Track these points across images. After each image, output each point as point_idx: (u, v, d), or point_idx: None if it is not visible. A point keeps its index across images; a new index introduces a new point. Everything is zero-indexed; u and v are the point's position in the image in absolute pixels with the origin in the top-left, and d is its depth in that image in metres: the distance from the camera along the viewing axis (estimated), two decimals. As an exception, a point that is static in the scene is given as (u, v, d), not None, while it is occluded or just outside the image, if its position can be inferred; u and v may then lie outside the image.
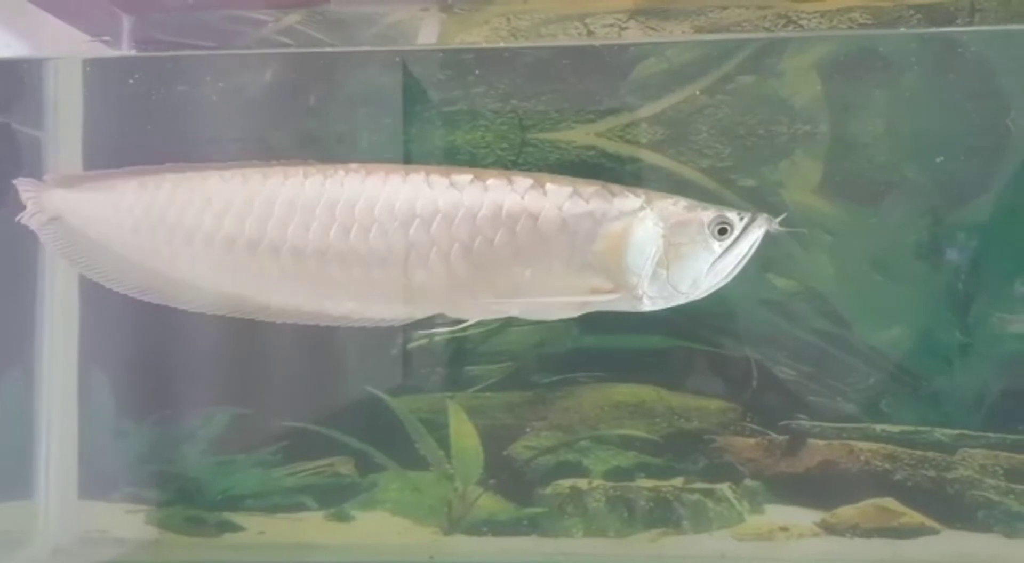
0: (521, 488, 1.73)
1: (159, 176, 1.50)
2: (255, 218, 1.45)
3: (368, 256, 1.42)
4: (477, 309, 1.44)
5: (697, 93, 1.72)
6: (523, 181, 1.42)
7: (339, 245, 1.43)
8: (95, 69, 1.84)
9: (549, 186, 1.42)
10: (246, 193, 1.46)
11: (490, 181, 1.42)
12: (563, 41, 1.79)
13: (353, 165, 1.46)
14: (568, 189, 1.42)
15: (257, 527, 1.76)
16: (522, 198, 1.40)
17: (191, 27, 1.87)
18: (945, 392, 1.65)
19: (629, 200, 1.40)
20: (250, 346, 1.78)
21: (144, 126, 1.82)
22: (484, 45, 1.83)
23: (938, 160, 1.66)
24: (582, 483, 1.72)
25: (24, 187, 1.50)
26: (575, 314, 1.43)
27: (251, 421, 1.77)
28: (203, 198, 1.47)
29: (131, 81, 1.83)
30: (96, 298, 1.80)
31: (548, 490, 1.72)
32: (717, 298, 1.55)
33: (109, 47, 1.85)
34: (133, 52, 1.87)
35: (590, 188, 1.43)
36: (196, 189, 1.48)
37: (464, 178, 1.42)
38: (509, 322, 1.76)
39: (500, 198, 1.40)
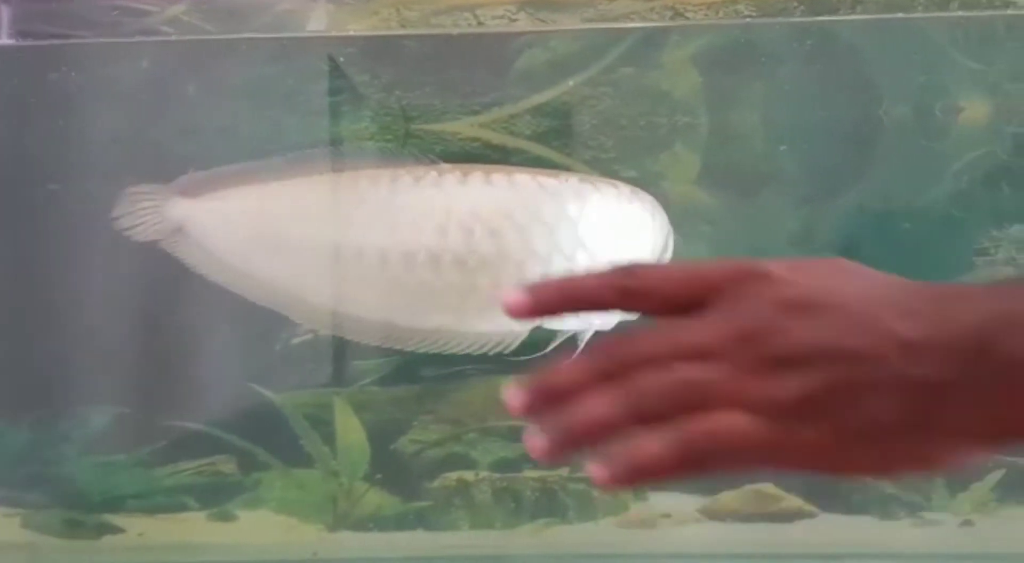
0: (408, 482, 1.72)
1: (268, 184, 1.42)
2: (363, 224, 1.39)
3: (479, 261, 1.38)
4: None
5: (570, 83, 1.73)
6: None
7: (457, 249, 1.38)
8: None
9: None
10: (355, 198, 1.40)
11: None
12: (449, 29, 1.78)
13: (446, 166, 1.43)
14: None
15: (137, 528, 1.72)
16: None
17: (73, 17, 1.82)
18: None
19: None
20: (129, 343, 1.75)
21: (19, 119, 1.78)
22: (369, 33, 1.81)
23: (781, 148, 1.69)
24: (469, 476, 1.72)
25: (146, 197, 1.39)
26: None
27: (130, 420, 1.73)
28: (304, 205, 1.40)
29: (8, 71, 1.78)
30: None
31: (435, 483, 1.72)
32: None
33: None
34: (13, 42, 1.81)
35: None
36: (300, 196, 1.41)
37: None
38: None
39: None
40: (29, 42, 1.82)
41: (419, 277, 1.38)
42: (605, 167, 1.70)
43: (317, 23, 1.89)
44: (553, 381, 0.41)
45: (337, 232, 1.39)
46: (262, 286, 1.42)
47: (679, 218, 1.57)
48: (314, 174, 1.43)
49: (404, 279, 1.39)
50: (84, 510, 1.72)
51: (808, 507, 1.69)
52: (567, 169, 1.72)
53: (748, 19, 1.71)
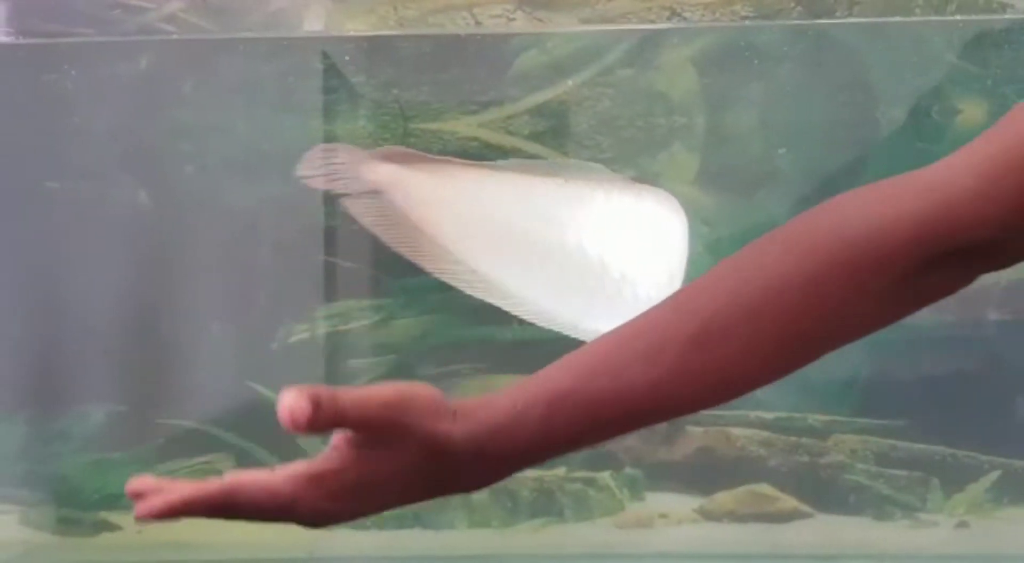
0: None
1: (492, 171, 1.43)
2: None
3: None
4: None
5: (569, 83, 1.73)
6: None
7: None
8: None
9: None
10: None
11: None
12: (448, 29, 1.78)
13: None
14: None
15: (134, 526, 1.72)
16: None
17: (71, 14, 1.82)
18: (817, 379, 1.69)
19: None
20: (126, 341, 1.75)
21: (15, 116, 1.78)
22: (368, 33, 1.82)
23: (780, 151, 1.69)
24: (466, 475, 1.72)
25: (343, 154, 1.39)
26: None
27: (128, 418, 1.73)
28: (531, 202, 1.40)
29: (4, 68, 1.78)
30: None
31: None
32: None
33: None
34: (10, 39, 1.81)
35: None
36: (527, 193, 1.41)
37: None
38: (392, 314, 1.75)
39: None
40: (26, 39, 1.82)
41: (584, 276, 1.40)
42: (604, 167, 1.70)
43: (314, 22, 1.89)
44: None
45: (558, 233, 1.40)
46: (456, 264, 1.41)
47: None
48: (535, 175, 1.44)
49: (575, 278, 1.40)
50: (81, 507, 1.72)
51: (804, 507, 1.70)
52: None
53: (746, 20, 1.71)
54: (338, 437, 0.52)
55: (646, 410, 0.55)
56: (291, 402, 0.47)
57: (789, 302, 0.54)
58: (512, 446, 0.53)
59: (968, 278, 0.57)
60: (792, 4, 1.74)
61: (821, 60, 1.73)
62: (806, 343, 0.56)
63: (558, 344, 1.70)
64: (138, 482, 0.49)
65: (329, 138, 1.74)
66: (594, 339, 0.57)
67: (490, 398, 0.54)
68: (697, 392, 0.56)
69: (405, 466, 0.51)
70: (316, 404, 0.48)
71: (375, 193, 1.36)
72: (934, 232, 0.54)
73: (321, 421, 0.48)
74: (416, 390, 0.52)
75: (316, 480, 0.51)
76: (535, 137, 1.72)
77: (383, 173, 1.36)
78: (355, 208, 1.36)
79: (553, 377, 0.55)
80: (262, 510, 0.50)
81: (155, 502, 0.48)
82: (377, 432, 0.50)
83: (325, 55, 1.79)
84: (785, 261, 0.55)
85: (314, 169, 1.37)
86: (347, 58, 1.80)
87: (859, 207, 0.56)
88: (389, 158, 1.39)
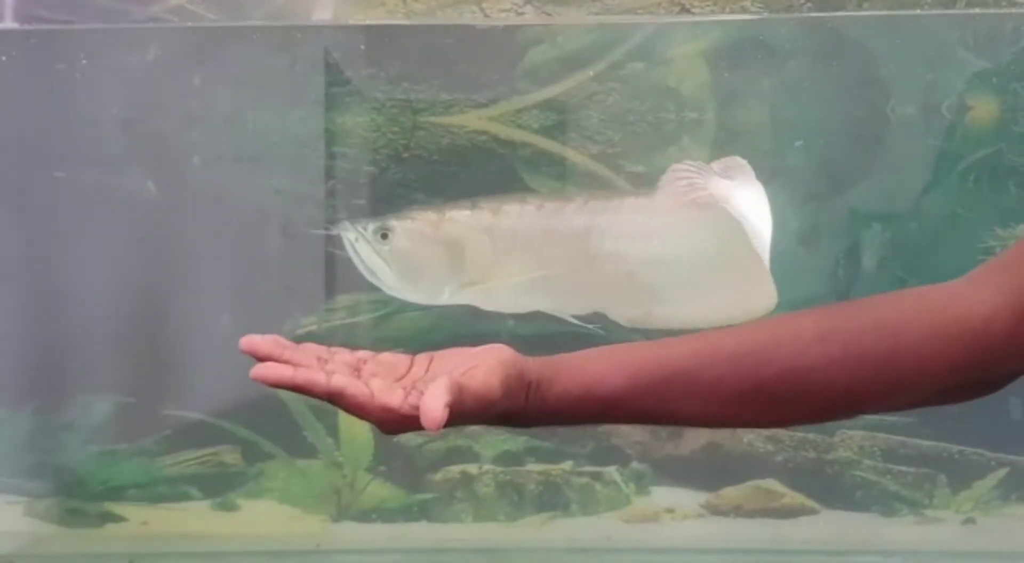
0: (411, 474, 1.72)
1: None
2: None
3: None
4: None
5: (590, 74, 1.72)
6: None
7: None
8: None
9: None
10: None
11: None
12: (458, 20, 1.78)
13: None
14: None
15: (140, 517, 1.72)
16: None
17: (77, 4, 1.81)
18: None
19: None
20: (132, 332, 1.74)
21: (23, 103, 1.77)
22: (375, 21, 1.81)
23: (797, 144, 1.69)
24: (472, 468, 1.71)
25: (696, 171, 1.39)
26: None
27: (133, 410, 1.73)
28: None
29: (6, 57, 1.77)
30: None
31: (438, 476, 1.72)
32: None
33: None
34: (15, 25, 1.81)
35: None
36: None
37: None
38: (401, 308, 1.74)
39: None
40: (32, 26, 1.81)
41: None
42: (611, 161, 1.70)
43: (322, 12, 1.89)
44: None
45: None
46: None
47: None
48: None
49: None
50: (87, 499, 1.72)
51: (810, 503, 1.70)
52: (572, 164, 1.72)
53: (754, 15, 1.71)
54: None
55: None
56: (434, 411, 0.57)
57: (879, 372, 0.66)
58: (564, 422, 0.67)
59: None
60: (802, 0, 1.73)
61: (832, 55, 1.72)
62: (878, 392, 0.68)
63: (566, 339, 1.70)
64: (254, 343, 0.63)
65: (339, 131, 1.73)
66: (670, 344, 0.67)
67: (566, 381, 0.65)
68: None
69: (482, 414, 0.62)
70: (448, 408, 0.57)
71: (718, 205, 1.36)
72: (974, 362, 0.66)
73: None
74: (508, 376, 0.62)
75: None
76: (545, 131, 1.72)
77: (723, 188, 1.37)
78: (695, 223, 1.38)
79: (614, 381, 0.65)
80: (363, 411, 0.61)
81: (273, 373, 0.61)
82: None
83: (334, 47, 1.78)
84: (875, 337, 0.66)
85: (675, 186, 1.38)
86: (357, 50, 1.80)
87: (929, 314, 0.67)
88: (724, 173, 1.39)
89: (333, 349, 0.67)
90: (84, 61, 1.77)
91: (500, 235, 1.41)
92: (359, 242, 1.39)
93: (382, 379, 0.63)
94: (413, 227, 1.40)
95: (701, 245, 1.40)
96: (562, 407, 0.65)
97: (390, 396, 0.61)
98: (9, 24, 1.80)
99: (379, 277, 1.40)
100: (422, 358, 0.67)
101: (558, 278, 1.42)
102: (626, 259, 1.40)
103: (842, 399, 0.67)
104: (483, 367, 0.62)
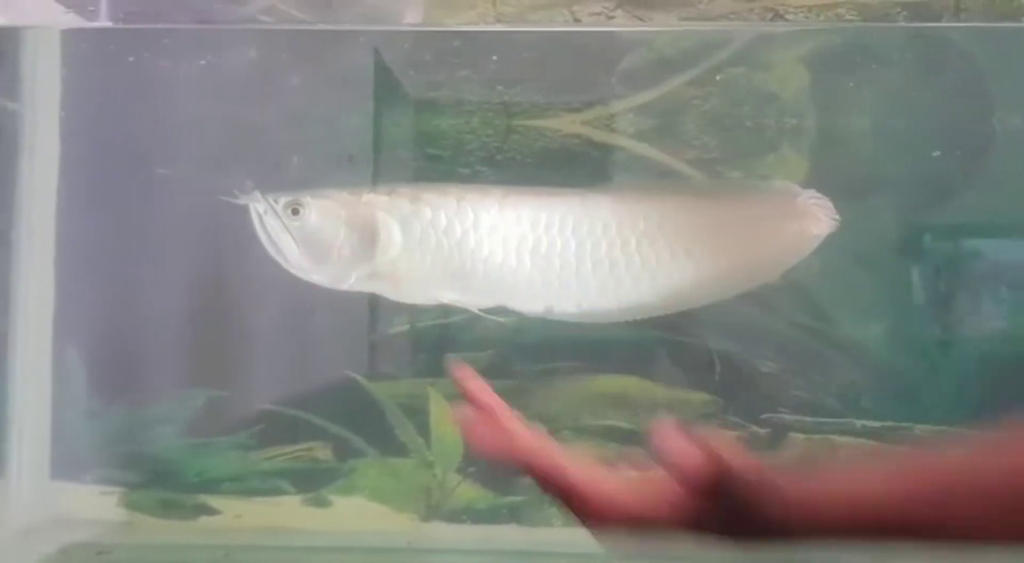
0: (501, 476, 1.72)
1: None
2: None
3: None
4: None
5: (717, 78, 1.71)
6: None
7: None
8: (73, 41, 1.81)
9: None
10: None
11: None
12: (552, 26, 1.78)
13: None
14: None
15: (234, 511, 1.74)
16: None
17: (171, 2, 1.84)
18: (925, 388, 1.66)
19: None
20: (227, 328, 1.76)
21: (123, 101, 1.80)
22: (470, 27, 1.81)
23: (935, 155, 1.66)
24: (562, 472, 1.71)
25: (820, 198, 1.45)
26: None
27: (228, 403, 1.75)
28: None
29: (111, 54, 1.80)
30: (71, 277, 1.78)
31: (528, 479, 1.72)
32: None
33: (88, 18, 1.81)
34: (110, 24, 1.83)
35: None
36: None
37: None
38: (490, 310, 1.75)
39: None
40: (128, 25, 1.84)
41: None
42: (708, 167, 1.69)
43: (413, 15, 1.90)
44: None
45: None
46: None
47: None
48: None
49: None
50: (181, 490, 1.74)
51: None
52: (668, 168, 1.71)
53: (848, 23, 1.69)
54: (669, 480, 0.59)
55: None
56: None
57: None
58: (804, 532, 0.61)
59: None
60: (898, 9, 1.71)
61: (937, 63, 1.69)
62: None
63: (654, 345, 1.70)
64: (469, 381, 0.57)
65: (434, 133, 1.74)
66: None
67: (811, 490, 0.59)
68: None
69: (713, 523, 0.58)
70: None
71: None
72: None
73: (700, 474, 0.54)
74: (765, 482, 0.58)
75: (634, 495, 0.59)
76: (640, 135, 1.71)
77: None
78: None
79: (862, 500, 0.61)
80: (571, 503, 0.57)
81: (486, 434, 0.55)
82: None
83: (428, 48, 1.79)
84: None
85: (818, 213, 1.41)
86: (451, 52, 1.81)
87: None
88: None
89: None
90: (177, 60, 1.79)
91: (415, 224, 1.40)
92: (268, 215, 1.38)
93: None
94: (326, 206, 1.40)
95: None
96: (805, 519, 0.59)
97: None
98: (104, 23, 1.83)
99: (284, 254, 1.40)
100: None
101: (466, 271, 1.41)
102: (536, 253, 1.40)
103: None
104: None
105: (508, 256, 1.42)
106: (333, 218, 1.40)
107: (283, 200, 1.39)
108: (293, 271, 1.42)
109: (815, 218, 1.44)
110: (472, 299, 1.43)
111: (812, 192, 1.46)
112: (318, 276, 1.42)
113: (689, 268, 1.46)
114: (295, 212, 1.40)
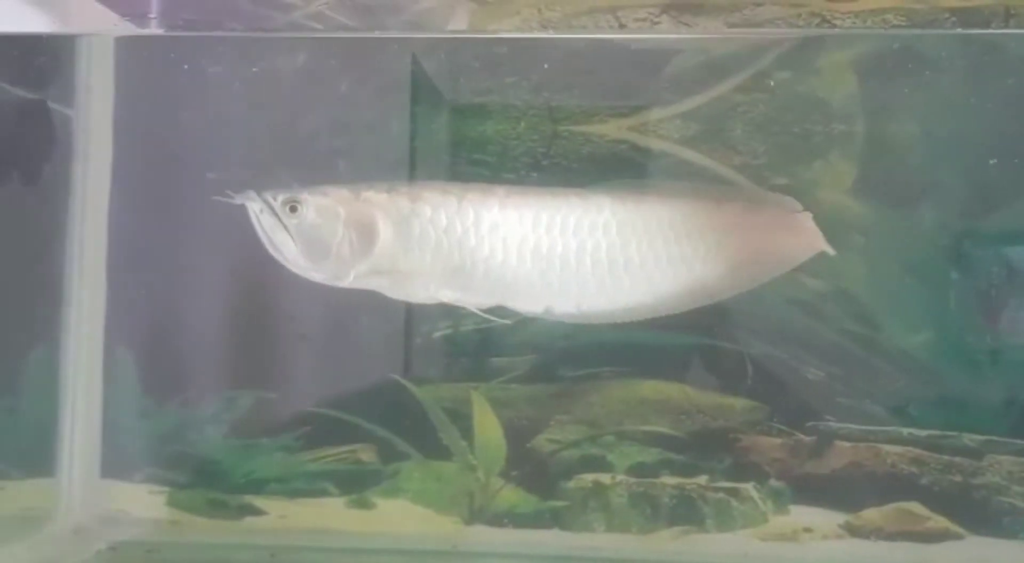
0: (544, 481, 1.72)
1: None
2: None
3: None
4: None
5: (770, 84, 1.71)
6: None
7: None
8: (126, 48, 1.84)
9: None
10: None
11: None
12: (597, 33, 1.78)
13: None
14: None
15: (279, 511, 1.76)
16: None
17: (220, 9, 1.86)
18: (974, 397, 1.64)
19: None
20: (274, 330, 1.78)
21: (175, 108, 1.82)
22: (517, 35, 1.82)
23: (991, 162, 1.64)
24: (605, 478, 1.71)
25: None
26: None
27: (274, 405, 1.77)
28: None
29: (164, 61, 1.83)
30: (123, 277, 1.81)
31: (571, 484, 1.72)
32: (747, 297, 1.55)
33: (141, 26, 1.84)
34: (161, 31, 1.86)
35: None
36: None
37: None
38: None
39: None
40: (178, 32, 1.87)
41: None
42: (755, 173, 1.68)
43: (458, 21, 1.91)
44: None
45: None
46: None
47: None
48: None
49: None
50: (228, 491, 1.76)
51: (955, 528, 1.65)
52: (714, 174, 1.71)
53: (895, 29, 1.67)
54: None
55: None
56: None
57: None
58: None
59: None
60: (946, 15, 1.69)
61: (988, 69, 1.67)
62: None
63: (698, 351, 1.69)
64: None
65: (480, 139, 1.75)
66: None
67: None
68: None
69: None
70: None
71: None
72: None
73: None
74: None
75: None
76: (686, 141, 1.71)
77: None
78: None
79: None
80: None
81: None
82: None
83: (475, 54, 1.80)
84: None
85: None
86: (498, 58, 1.82)
87: None
88: None
89: None
90: (227, 65, 1.81)
91: (415, 222, 1.40)
92: (264, 213, 1.38)
93: None
94: (325, 203, 1.39)
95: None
96: None
97: None
98: (155, 30, 1.87)
99: (282, 252, 1.40)
100: None
101: (466, 270, 1.41)
102: (536, 253, 1.40)
103: None
104: None
105: (509, 256, 1.42)
106: (331, 215, 1.41)
107: (281, 197, 1.40)
108: (292, 269, 1.43)
109: (811, 235, 1.45)
110: (472, 298, 1.44)
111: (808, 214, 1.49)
112: (317, 274, 1.43)
113: (688, 270, 1.46)
114: (293, 210, 1.41)
